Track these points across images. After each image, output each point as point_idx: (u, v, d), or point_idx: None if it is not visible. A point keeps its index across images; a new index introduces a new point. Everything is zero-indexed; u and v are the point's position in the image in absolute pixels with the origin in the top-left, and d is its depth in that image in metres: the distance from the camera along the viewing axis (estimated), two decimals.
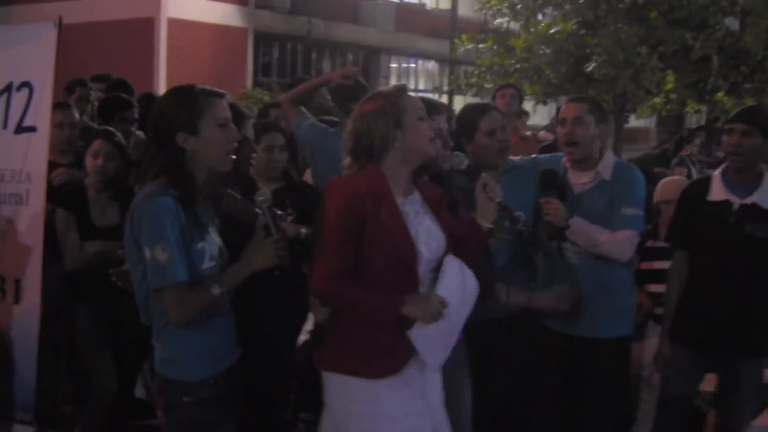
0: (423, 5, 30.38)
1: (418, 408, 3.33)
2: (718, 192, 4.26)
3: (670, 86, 17.96)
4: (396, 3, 28.23)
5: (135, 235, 3.03)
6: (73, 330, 4.87)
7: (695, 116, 29.23)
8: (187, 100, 3.15)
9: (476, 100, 21.89)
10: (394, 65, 30.44)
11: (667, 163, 14.22)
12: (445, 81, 24.82)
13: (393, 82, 29.77)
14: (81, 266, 4.66)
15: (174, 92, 3.27)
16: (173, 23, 20.55)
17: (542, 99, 18.49)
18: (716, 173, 4.34)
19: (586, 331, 4.22)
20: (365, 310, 3.28)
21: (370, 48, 28.10)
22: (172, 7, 20.48)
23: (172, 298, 2.99)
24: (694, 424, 5.08)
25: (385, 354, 3.27)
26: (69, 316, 4.86)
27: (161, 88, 18.96)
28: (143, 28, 20.20)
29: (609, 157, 4.31)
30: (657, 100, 18.95)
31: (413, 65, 31.48)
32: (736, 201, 4.19)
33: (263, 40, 23.96)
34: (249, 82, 22.97)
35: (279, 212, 3.32)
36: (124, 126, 5.64)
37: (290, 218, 4.26)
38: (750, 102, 18.92)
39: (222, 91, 3.29)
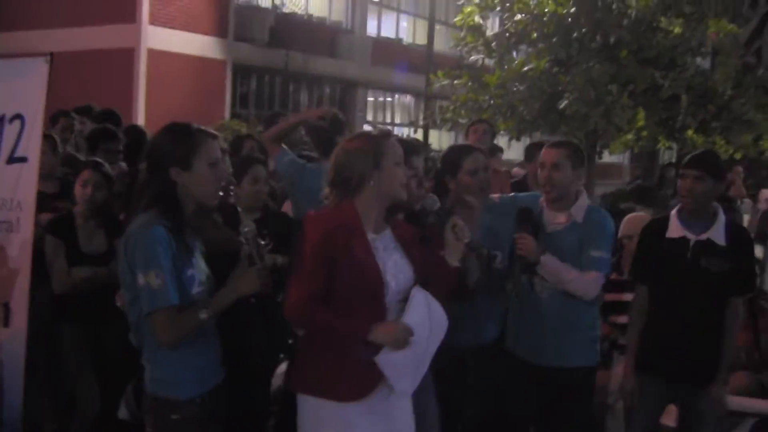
0: (400, 40, 30.71)
1: (384, 428, 3.53)
2: (675, 229, 4.53)
3: (641, 123, 18.35)
4: (373, 38, 28.58)
5: (129, 261, 3.23)
6: (59, 351, 5.04)
7: (668, 152, 29.75)
8: (184, 138, 3.38)
9: (451, 134, 22.25)
10: (371, 99, 30.70)
11: (641, 199, 14.52)
12: (421, 115, 25.15)
13: (369, 115, 30.09)
14: (68, 290, 4.85)
15: (172, 128, 3.50)
16: (153, 54, 20.77)
17: (515, 135, 18.81)
18: (673, 212, 4.60)
19: (552, 361, 4.46)
20: (334, 332, 3.50)
21: (347, 81, 28.39)
22: (152, 38, 20.70)
23: (163, 321, 3.19)
24: None
25: (353, 378, 3.49)
26: (55, 338, 5.02)
27: (140, 118, 19.16)
28: (123, 59, 20.39)
29: (583, 201, 4.58)
30: (629, 136, 19.30)
31: (390, 99, 31.77)
32: (692, 237, 4.46)
33: (241, 72, 24.22)
34: (227, 113, 23.19)
35: (262, 242, 3.53)
36: (110, 157, 5.83)
37: (267, 248, 4.46)
38: (718, 140, 19.36)
39: (215, 132, 3.50)
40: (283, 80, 26.13)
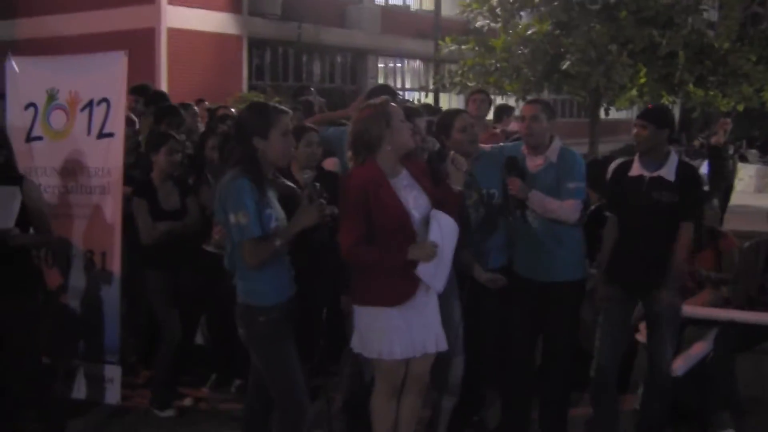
0: (407, 7, 31.45)
1: (423, 322, 4.61)
2: (635, 169, 5.57)
3: (643, 80, 19.20)
4: (381, 6, 29.32)
5: (223, 205, 4.29)
6: (142, 292, 6.09)
7: (674, 107, 30.54)
8: (263, 114, 4.42)
9: (460, 97, 23.13)
10: (381, 65, 31.45)
11: None
12: (431, 80, 25.96)
13: (380, 81, 30.85)
14: (154, 242, 5.88)
15: (254, 107, 4.57)
16: (173, 33, 21.60)
17: (521, 95, 19.67)
18: (636, 155, 5.65)
19: (546, 277, 5.52)
20: (381, 264, 4.54)
21: (357, 50, 29.13)
22: (171, 17, 21.55)
23: (250, 248, 4.23)
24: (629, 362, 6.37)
25: (399, 288, 4.55)
26: (141, 282, 6.05)
27: None
28: (145, 38, 21.20)
29: (556, 144, 5.60)
30: (633, 93, 20.14)
31: (399, 65, 32.50)
32: (647, 175, 5.50)
33: (256, 45, 25.05)
34: (244, 86, 24.07)
35: (317, 185, 4.57)
36: (172, 130, 6.79)
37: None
38: (714, 93, 20.21)
39: (286, 108, 4.56)
40: (296, 52, 26.93)
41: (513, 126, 8.44)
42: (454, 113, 5.70)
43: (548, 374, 5.74)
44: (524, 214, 5.53)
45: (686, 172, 5.54)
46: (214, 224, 5.33)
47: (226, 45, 23.51)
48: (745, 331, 5.96)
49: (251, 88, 24.18)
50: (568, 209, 5.43)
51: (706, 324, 6.22)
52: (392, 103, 4.77)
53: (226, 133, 6.15)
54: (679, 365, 6.01)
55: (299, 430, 4.47)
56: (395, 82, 31.57)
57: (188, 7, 22.00)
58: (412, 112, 5.24)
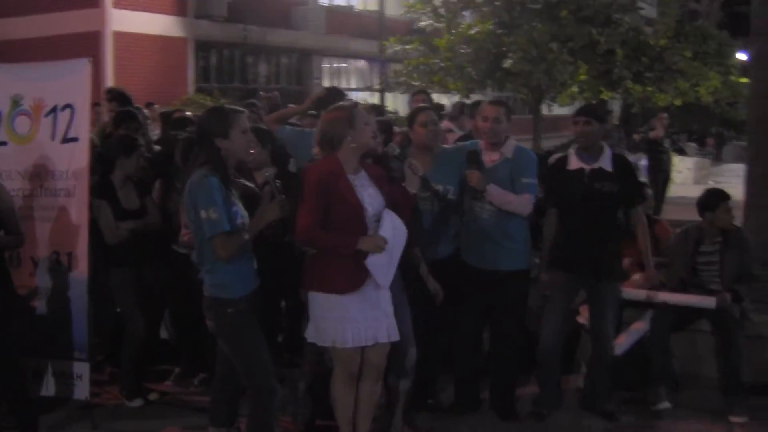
0: (351, 7, 31.70)
1: (374, 314, 4.93)
2: (574, 163, 5.95)
3: (583, 77, 19.76)
4: (326, 6, 29.53)
5: (193, 202, 4.55)
6: (108, 291, 6.32)
7: (613, 103, 31.22)
8: (222, 116, 4.71)
9: (405, 97, 23.51)
10: (327, 66, 31.67)
11: None
12: (376, 79, 26.29)
13: (326, 82, 31.08)
14: (117, 241, 6.12)
15: (213, 110, 4.87)
16: (118, 36, 21.59)
17: (465, 93, 20.14)
18: (571, 150, 6.03)
19: (495, 266, 5.89)
20: (333, 247, 4.88)
21: (303, 51, 29.28)
22: (117, 20, 21.55)
23: (221, 242, 4.51)
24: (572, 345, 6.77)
25: (348, 277, 4.86)
26: (104, 281, 6.28)
27: None
28: (90, 42, 21.14)
29: (511, 142, 6.00)
30: (573, 89, 20.69)
31: (345, 65, 32.75)
32: (587, 167, 5.89)
33: (202, 48, 25.13)
34: (191, 88, 24.16)
35: (278, 183, 4.88)
36: (131, 133, 6.96)
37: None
38: (651, 88, 20.83)
39: (242, 108, 4.85)
40: (242, 53, 27.04)
41: (446, 124, 8.82)
42: (418, 110, 6.09)
43: (497, 357, 6.13)
44: (475, 206, 5.89)
45: (621, 162, 6.00)
46: (183, 226, 5.59)
47: (172, 47, 23.55)
48: (678, 311, 6.38)
49: (198, 90, 24.24)
50: (524, 203, 5.82)
51: (643, 305, 6.62)
52: (359, 105, 5.12)
53: (189, 138, 6.40)
54: (619, 345, 6.42)
55: (271, 410, 4.76)
56: (340, 82, 31.77)
57: (133, 10, 22.00)
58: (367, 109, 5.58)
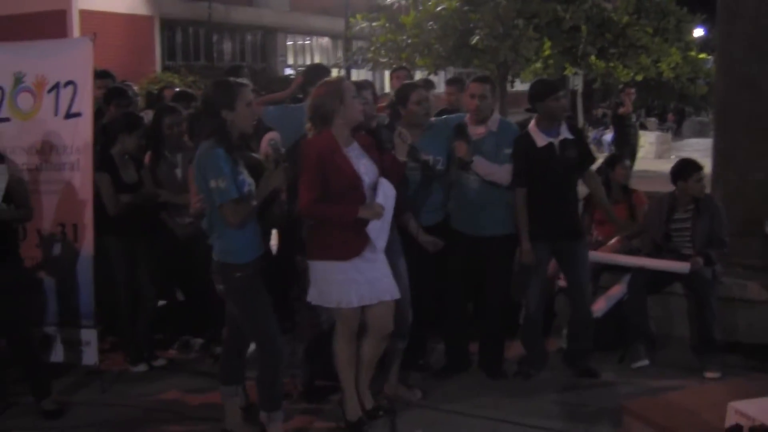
0: None
1: (375, 276, 5.24)
2: (541, 140, 6.21)
3: (547, 53, 20.07)
4: None
5: (202, 172, 4.80)
6: (107, 261, 6.53)
7: (576, 78, 31.60)
8: (228, 89, 4.93)
9: (370, 74, 23.72)
10: (290, 43, 31.78)
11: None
12: (341, 57, 26.42)
13: (290, 59, 31.23)
14: (118, 212, 6.35)
15: (219, 84, 5.06)
16: (84, 14, 21.66)
17: (433, 70, 20.38)
18: (531, 126, 6.30)
19: (483, 231, 6.20)
20: (335, 218, 5.16)
21: (266, 28, 29.46)
22: None
23: (231, 209, 4.75)
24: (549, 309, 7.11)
25: (350, 244, 5.16)
26: (103, 251, 6.50)
27: None
28: (56, 20, 21.20)
29: (496, 116, 6.34)
30: (537, 65, 20.98)
31: (308, 42, 32.86)
32: (555, 140, 6.20)
33: (168, 26, 25.23)
34: (158, 66, 24.23)
35: (282, 150, 5.13)
36: (122, 110, 7.15)
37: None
38: (614, 64, 21.21)
39: (246, 81, 5.09)
40: (207, 31, 27.15)
41: None
42: (412, 87, 6.31)
43: (485, 320, 6.46)
44: (464, 177, 6.19)
45: (575, 128, 6.49)
46: (193, 195, 5.85)
47: (138, 26, 23.66)
48: (654, 275, 6.74)
49: (164, 68, 24.35)
50: (506, 173, 6.14)
51: (620, 270, 6.98)
52: (347, 80, 5.39)
53: (193, 113, 6.62)
54: (599, 308, 6.79)
55: (278, 368, 5.04)
56: (304, 59, 31.94)
57: None
58: (360, 85, 5.84)
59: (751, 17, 7.76)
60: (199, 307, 6.86)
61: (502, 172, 6.14)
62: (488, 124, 6.23)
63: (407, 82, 6.90)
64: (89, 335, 6.27)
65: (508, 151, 6.19)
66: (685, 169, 6.78)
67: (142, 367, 6.59)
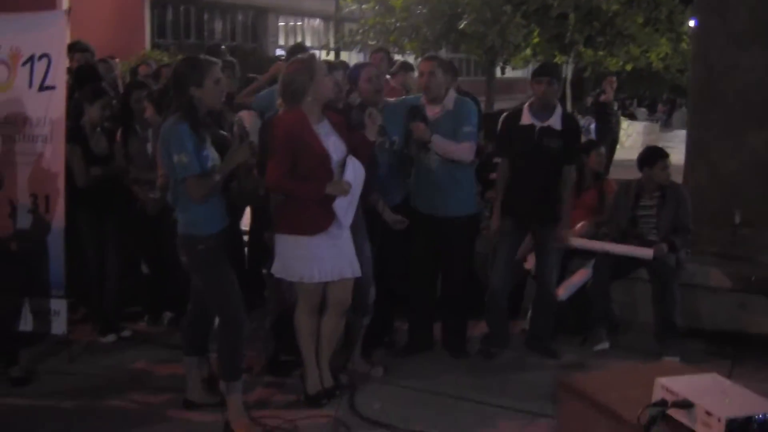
0: None
1: (338, 252, 5.35)
2: (526, 118, 6.37)
3: (536, 40, 20.16)
4: None
5: (166, 147, 4.88)
6: (77, 233, 6.62)
7: (568, 66, 31.70)
8: (197, 65, 5.01)
9: (360, 55, 23.75)
10: (282, 23, 31.77)
11: None
12: (332, 38, 26.46)
13: (281, 40, 31.22)
14: (87, 185, 6.45)
15: (188, 60, 5.14)
16: None
17: (420, 54, 20.42)
18: (525, 106, 6.44)
19: (444, 212, 6.29)
20: (302, 194, 5.25)
21: (258, 8, 29.44)
22: None
23: (193, 183, 4.83)
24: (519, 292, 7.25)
25: (317, 219, 5.26)
26: (73, 222, 6.58)
27: None
28: None
29: (451, 94, 6.36)
30: (527, 52, 21.09)
31: (300, 23, 32.86)
32: (538, 124, 6.31)
33: (158, 4, 25.18)
34: (147, 44, 24.17)
35: (246, 126, 5.23)
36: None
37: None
38: (603, 53, 21.31)
39: (215, 59, 5.17)
40: (198, 10, 27.15)
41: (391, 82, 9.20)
42: (361, 66, 6.43)
43: (448, 298, 6.57)
44: (423, 156, 6.27)
45: (570, 122, 6.53)
46: (158, 170, 5.89)
47: (127, 3, 23.54)
48: (618, 261, 6.85)
49: (154, 46, 24.28)
50: (465, 150, 6.21)
51: (586, 254, 7.08)
52: (318, 58, 5.47)
53: (161, 89, 6.70)
54: (563, 291, 6.90)
55: (239, 339, 5.13)
56: (295, 40, 31.88)
57: None
58: (332, 65, 5.93)
59: (728, 7, 7.87)
60: (168, 281, 6.95)
61: (462, 150, 6.19)
62: (444, 103, 6.29)
63: (360, 62, 6.97)
64: (59, 305, 6.34)
65: (467, 128, 6.23)
66: (651, 156, 6.91)
67: (110, 338, 6.70)
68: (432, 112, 6.28)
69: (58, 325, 6.37)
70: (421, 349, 6.55)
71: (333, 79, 5.64)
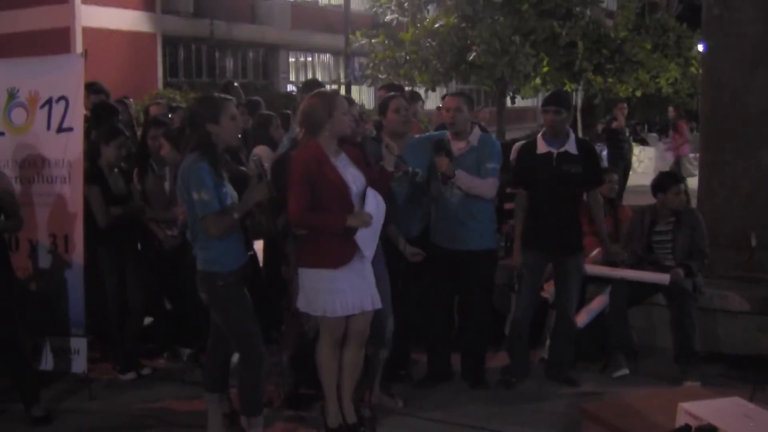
0: (316, 2, 32.02)
1: (360, 285, 5.36)
2: (542, 147, 6.42)
3: (546, 69, 20.21)
4: (291, 1, 29.82)
5: (185, 185, 4.94)
6: (96, 272, 6.68)
7: (577, 95, 31.76)
8: (212, 103, 5.09)
9: (371, 90, 23.91)
10: (292, 60, 31.98)
11: None
12: (342, 73, 26.61)
13: (292, 76, 31.43)
14: (108, 224, 6.51)
15: (204, 98, 5.23)
16: (87, 32, 21.82)
17: (431, 86, 20.55)
18: (539, 135, 6.50)
19: (463, 246, 6.32)
20: (324, 226, 5.29)
21: (268, 45, 29.62)
22: (86, 16, 21.78)
23: (213, 221, 4.89)
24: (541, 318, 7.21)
25: (339, 252, 5.28)
26: (93, 262, 6.64)
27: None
28: (60, 38, 21.38)
29: (476, 131, 6.45)
30: (537, 81, 21.13)
31: (310, 59, 33.07)
32: (554, 151, 6.36)
33: (170, 43, 25.42)
34: (160, 83, 24.40)
35: (265, 165, 5.28)
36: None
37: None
38: (612, 80, 21.36)
39: (231, 97, 5.24)
40: (209, 48, 27.34)
41: None
42: (390, 97, 6.49)
43: (467, 332, 6.59)
44: (445, 191, 6.32)
45: (585, 146, 6.59)
46: (177, 206, 5.93)
47: (140, 43, 23.83)
48: (635, 286, 6.86)
49: (166, 85, 24.51)
50: (488, 186, 6.29)
51: (603, 281, 7.08)
52: (339, 95, 5.55)
53: (181, 128, 6.79)
54: (582, 319, 6.90)
55: (259, 374, 5.16)
56: (306, 76, 32.08)
57: (102, 6, 22.24)
58: (350, 101, 6.02)
59: (737, 32, 7.91)
60: (187, 317, 6.99)
61: (484, 186, 6.26)
62: (469, 139, 6.36)
63: (390, 94, 7.05)
64: (79, 343, 6.39)
65: (491, 165, 6.31)
66: (664, 181, 6.94)
67: (130, 376, 6.72)
68: (457, 147, 6.35)
69: (78, 364, 6.41)
70: (439, 381, 6.55)
71: (352, 116, 5.69)
